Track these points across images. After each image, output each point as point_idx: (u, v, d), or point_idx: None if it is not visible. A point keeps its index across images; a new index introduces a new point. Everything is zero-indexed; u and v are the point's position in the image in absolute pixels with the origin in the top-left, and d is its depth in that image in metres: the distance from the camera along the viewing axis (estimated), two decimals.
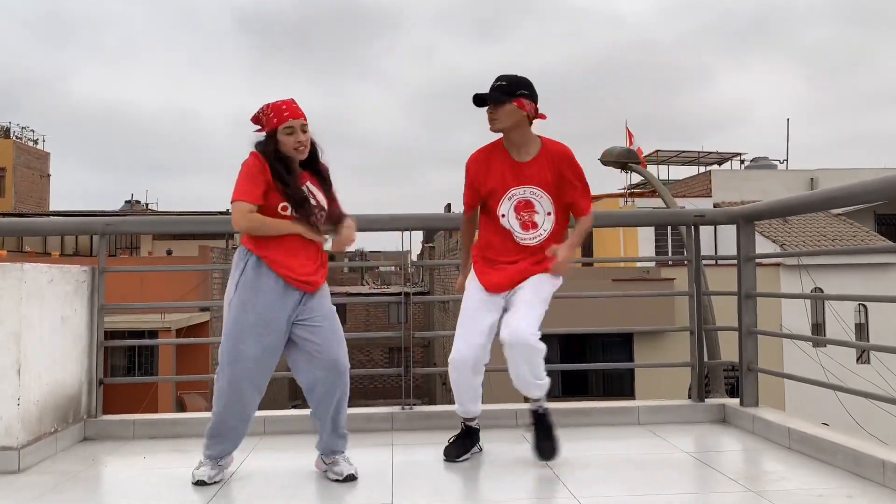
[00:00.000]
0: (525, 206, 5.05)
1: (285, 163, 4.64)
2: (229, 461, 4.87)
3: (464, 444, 5.29)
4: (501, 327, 4.90)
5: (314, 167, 4.82)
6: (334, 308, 4.91)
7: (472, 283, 5.15)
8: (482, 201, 5.17)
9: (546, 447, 5.17)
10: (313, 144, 4.80)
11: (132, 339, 25.53)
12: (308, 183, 4.73)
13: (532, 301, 4.93)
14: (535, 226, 5.06)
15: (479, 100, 4.95)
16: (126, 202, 51.21)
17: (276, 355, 4.69)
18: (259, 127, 4.76)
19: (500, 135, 5.06)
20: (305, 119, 4.69)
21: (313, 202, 4.68)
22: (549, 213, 5.07)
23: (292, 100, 4.75)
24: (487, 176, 5.07)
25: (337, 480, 4.71)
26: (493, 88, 4.93)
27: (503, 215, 5.07)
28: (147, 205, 51.76)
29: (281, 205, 4.59)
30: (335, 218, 4.80)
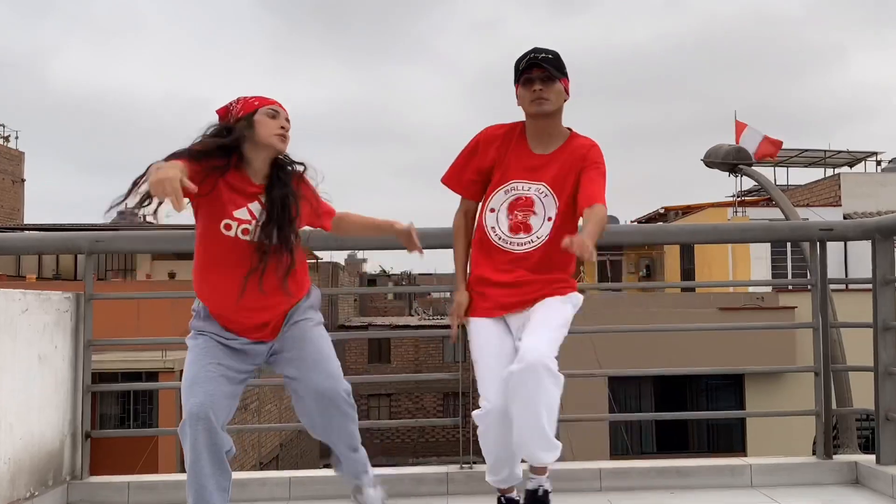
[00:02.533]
0: (523, 205, 4.99)
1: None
2: None
3: None
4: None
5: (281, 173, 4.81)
6: (315, 326, 4.91)
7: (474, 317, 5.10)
8: (473, 186, 5.16)
9: None
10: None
11: (126, 381, 25.72)
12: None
13: (547, 321, 4.84)
14: (528, 229, 4.96)
15: (535, 66, 4.92)
16: (119, 213, 51.31)
17: None
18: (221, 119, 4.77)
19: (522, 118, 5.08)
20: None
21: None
22: (549, 219, 4.96)
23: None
24: (492, 155, 5.08)
25: None
26: (542, 59, 4.92)
27: (492, 210, 5.04)
28: (145, 216, 51.79)
29: (224, 222, 4.62)
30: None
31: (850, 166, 44.62)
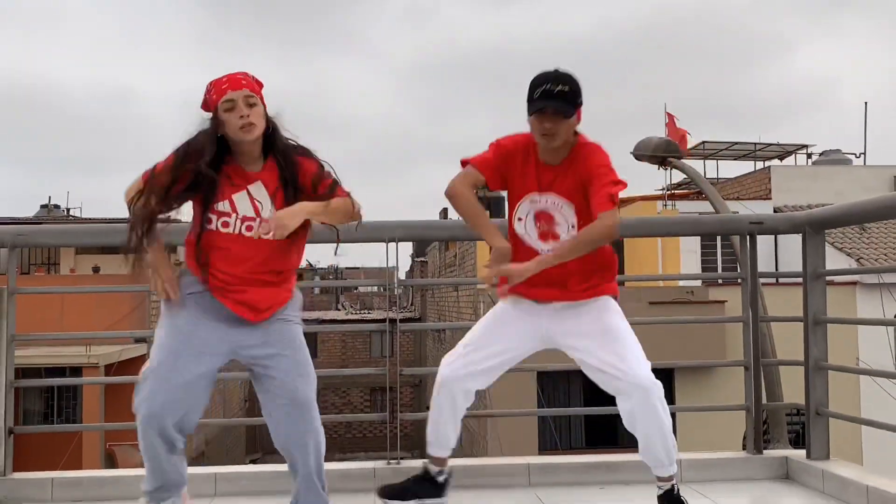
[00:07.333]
0: (545, 217, 5.12)
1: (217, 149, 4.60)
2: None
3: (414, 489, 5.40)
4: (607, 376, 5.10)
5: (277, 153, 4.74)
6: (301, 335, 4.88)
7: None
8: (496, 173, 5.15)
9: None
10: (274, 125, 4.72)
11: (50, 377, 25.48)
12: (250, 187, 4.68)
13: (619, 335, 5.35)
14: (555, 237, 5.10)
15: (549, 99, 4.89)
16: (42, 207, 50.73)
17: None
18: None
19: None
20: (254, 90, 4.63)
21: (228, 207, 4.66)
22: (572, 226, 5.07)
23: (240, 72, 4.70)
24: (511, 166, 5.12)
25: None
26: (556, 94, 4.88)
27: (520, 219, 5.16)
28: (68, 210, 51.19)
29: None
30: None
31: (781, 159, 44.79)
